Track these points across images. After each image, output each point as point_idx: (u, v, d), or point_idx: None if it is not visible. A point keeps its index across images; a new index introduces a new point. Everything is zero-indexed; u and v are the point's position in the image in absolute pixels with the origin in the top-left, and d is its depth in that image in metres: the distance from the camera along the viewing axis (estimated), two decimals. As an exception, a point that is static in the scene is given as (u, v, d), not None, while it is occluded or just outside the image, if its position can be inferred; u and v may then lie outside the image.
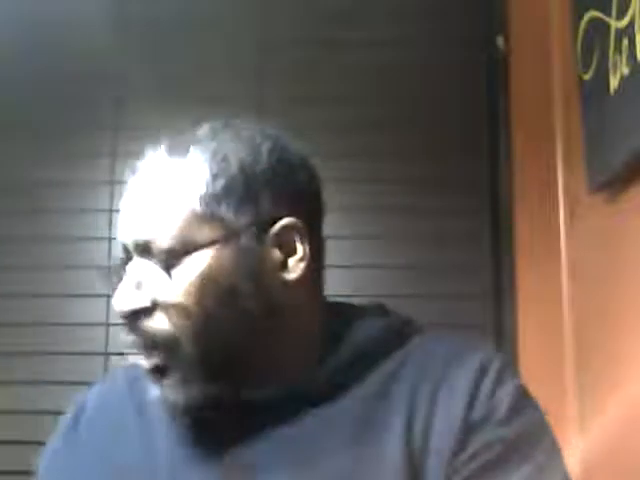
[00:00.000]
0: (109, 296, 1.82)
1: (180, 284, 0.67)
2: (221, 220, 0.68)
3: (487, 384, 0.69)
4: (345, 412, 0.70)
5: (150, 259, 0.68)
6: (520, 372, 1.52)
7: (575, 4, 1.30)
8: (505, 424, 0.67)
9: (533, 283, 1.55)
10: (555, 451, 0.70)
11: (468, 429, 0.67)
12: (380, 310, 0.79)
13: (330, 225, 1.83)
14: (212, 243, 0.67)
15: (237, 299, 0.68)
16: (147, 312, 0.68)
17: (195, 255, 0.67)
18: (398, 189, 1.65)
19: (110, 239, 1.68)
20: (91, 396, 0.81)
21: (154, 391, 0.70)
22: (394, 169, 1.66)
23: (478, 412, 0.68)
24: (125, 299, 0.68)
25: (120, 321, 0.70)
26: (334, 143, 1.66)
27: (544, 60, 1.53)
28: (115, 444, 0.74)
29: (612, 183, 1.18)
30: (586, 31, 1.24)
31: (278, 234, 0.70)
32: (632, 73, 1.04)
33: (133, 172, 0.74)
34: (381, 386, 0.71)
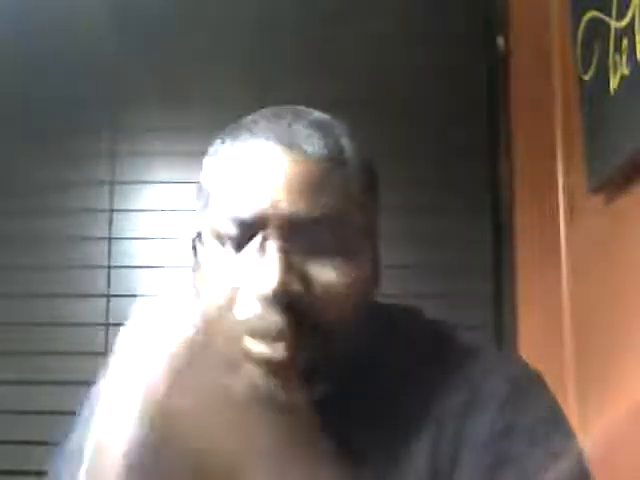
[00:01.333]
0: (109, 296, 1.81)
1: (345, 277, 0.62)
2: (370, 214, 0.67)
3: (519, 406, 0.66)
4: (379, 436, 0.66)
5: (304, 240, 0.61)
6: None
7: (575, 4, 1.30)
8: (540, 450, 0.64)
9: (533, 283, 1.55)
10: (586, 470, 0.68)
11: (501, 464, 0.64)
12: (414, 314, 0.77)
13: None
14: (368, 231, 0.65)
15: (370, 295, 0.67)
16: (303, 300, 0.61)
17: (358, 244, 0.64)
18: (398, 189, 1.65)
19: (110, 239, 1.68)
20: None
21: (261, 381, 0.59)
22: (394, 169, 1.65)
23: (510, 446, 0.64)
24: (282, 279, 0.59)
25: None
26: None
27: (544, 60, 1.53)
28: None
29: (612, 183, 1.18)
30: (586, 31, 1.24)
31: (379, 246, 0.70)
32: (632, 73, 1.04)
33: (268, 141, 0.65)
34: (417, 401, 0.67)
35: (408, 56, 1.69)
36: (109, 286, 1.66)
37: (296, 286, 0.60)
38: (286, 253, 0.60)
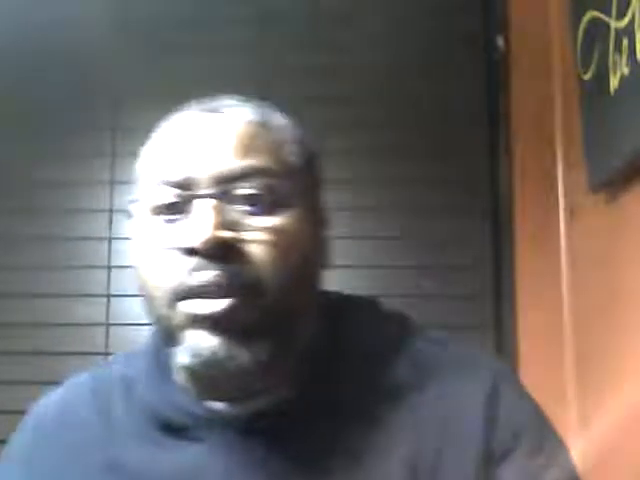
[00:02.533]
0: (109, 295, 1.81)
1: (276, 225, 0.61)
2: (303, 180, 0.65)
3: (504, 409, 0.64)
4: (346, 433, 0.64)
5: (233, 196, 0.61)
6: (520, 372, 1.53)
7: (575, 4, 1.30)
8: (530, 457, 0.63)
9: (533, 283, 1.55)
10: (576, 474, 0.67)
11: (490, 461, 0.63)
12: (376, 308, 0.73)
13: (330, 225, 1.82)
14: (302, 196, 0.64)
15: (312, 265, 0.66)
16: (236, 248, 0.60)
17: (289, 200, 0.63)
18: (398, 189, 1.65)
19: (110, 239, 1.68)
20: (48, 411, 0.74)
21: (206, 342, 0.59)
22: (394, 169, 1.66)
23: (498, 446, 0.63)
24: (212, 229, 0.58)
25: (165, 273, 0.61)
26: (334, 143, 1.66)
27: (544, 60, 1.53)
28: (76, 470, 0.68)
29: (612, 183, 1.18)
30: (586, 31, 1.24)
31: (324, 224, 0.70)
32: (632, 73, 1.04)
33: (194, 110, 0.68)
34: (383, 404, 0.65)
35: (408, 56, 1.69)
36: (109, 286, 1.66)
37: (228, 235, 0.59)
38: (216, 208, 0.60)
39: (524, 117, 1.61)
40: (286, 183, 0.63)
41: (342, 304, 0.73)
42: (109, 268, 1.67)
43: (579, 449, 1.28)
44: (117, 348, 1.64)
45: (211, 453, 0.64)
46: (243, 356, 0.59)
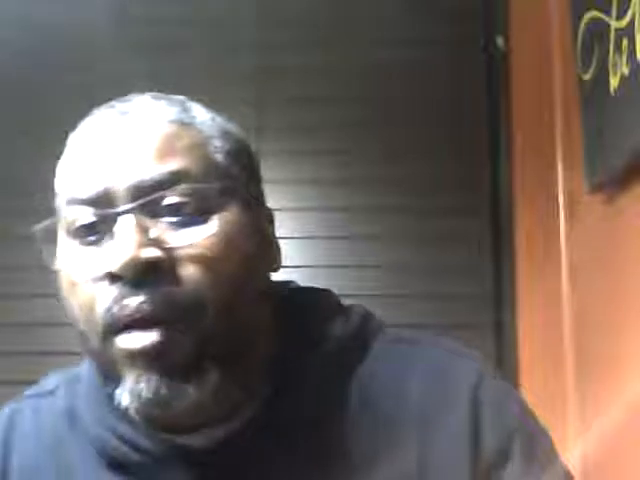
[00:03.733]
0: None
1: (207, 236, 0.55)
2: (234, 178, 0.58)
3: (489, 409, 0.60)
4: (315, 456, 0.58)
5: (156, 208, 0.54)
6: (520, 372, 1.52)
7: (575, 4, 1.30)
8: (524, 464, 0.59)
9: (533, 283, 1.55)
10: (567, 470, 0.64)
11: (482, 462, 0.59)
12: (334, 304, 0.67)
13: (330, 225, 1.83)
14: (235, 195, 0.57)
15: (255, 272, 0.58)
16: (164, 269, 0.53)
17: (220, 203, 0.56)
18: (398, 189, 1.65)
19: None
20: (24, 414, 0.68)
21: (145, 382, 0.53)
22: (394, 169, 1.66)
23: (489, 449, 0.59)
24: (134, 250, 0.52)
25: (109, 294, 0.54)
26: (334, 143, 1.66)
27: (544, 60, 1.53)
28: None
29: (612, 183, 1.18)
30: (586, 31, 1.24)
31: (268, 220, 0.63)
32: (632, 73, 1.04)
33: (101, 116, 0.60)
34: (354, 415, 0.60)
35: (408, 56, 1.69)
36: (109, 286, 1.66)
37: (153, 253, 0.53)
38: (137, 224, 0.53)
39: (524, 117, 1.61)
40: (213, 185, 0.56)
41: (299, 300, 0.66)
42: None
43: (579, 449, 1.28)
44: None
45: None
46: (188, 392, 0.53)
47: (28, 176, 1.71)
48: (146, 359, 0.53)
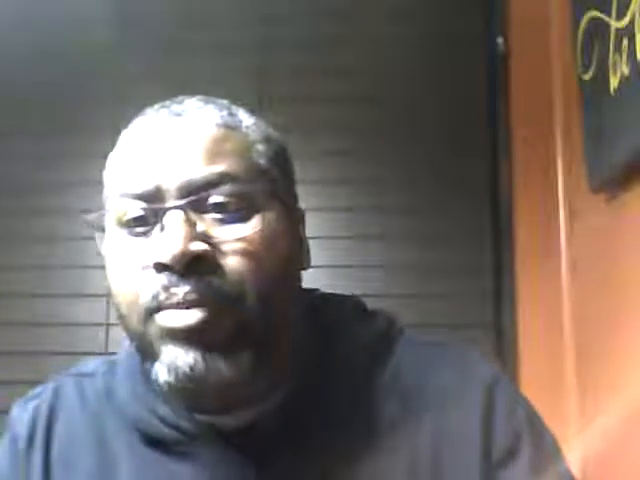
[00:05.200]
0: (109, 296, 1.81)
1: (249, 232, 0.59)
2: (274, 180, 0.62)
3: (500, 411, 0.64)
4: (338, 440, 0.63)
5: (203, 205, 0.58)
6: (520, 372, 1.53)
7: (575, 4, 1.30)
8: (532, 463, 0.63)
9: (533, 283, 1.55)
10: (569, 471, 0.67)
11: (492, 469, 0.63)
12: (361, 308, 0.72)
13: (331, 225, 1.83)
14: (275, 197, 0.61)
15: (289, 268, 0.63)
16: (209, 260, 0.57)
17: (262, 203, 0.60)
18: (398, 189, 1.65)
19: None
20: (38, 416, 0.70)
21: (184, 357, 0.56)
22: (394, 169, 1.66)
23: (498, 448, 0.63)
24: (182, 243, 0.56)
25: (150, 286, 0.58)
26: (334, 143, 1.66)
27: (544, 60, 1.53)
28: (67, 469, 0.67)
29: (612, 183, 1.18)
30: (586, 31, 1.24)
31: (300, 221, 0.67)
32: (632, 73, 1.04)
33: (152, 117, 0.64)
34: (374, 406, 0.64)
35: (408, 56, 1.69)
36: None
37: (200, 247, 0.57)
38: (186, 220, 0.57)
39: (524, 117, 1.61)
40: (257, 186, 0.60)
41: (326, 305, 0.71)
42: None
43: (579, 447, 1.28)
44: (117, 348, 1.63)
45: (197, 469, 0.62)
46: (223, 369, 0.57)
47: (28, 176, 1.71)
48: (186, 335, 0.56)
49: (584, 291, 1.36)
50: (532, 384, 1.47)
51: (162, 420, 0.64)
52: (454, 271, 1.61)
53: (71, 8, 1.74)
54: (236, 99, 1.88)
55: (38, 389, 0.74)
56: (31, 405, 0.72)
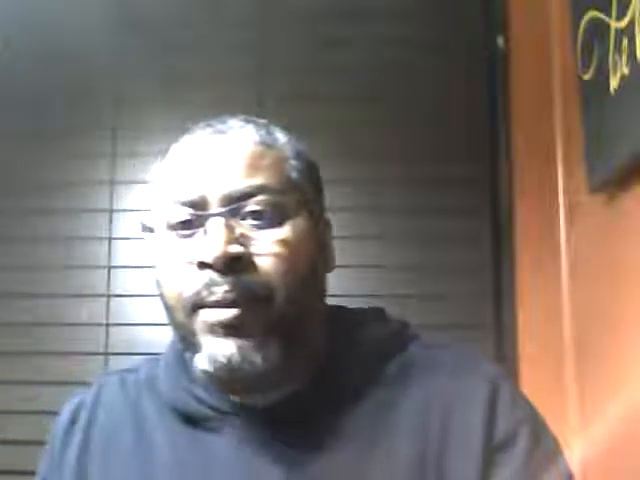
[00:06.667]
0: (109, 295, 1.82)
1: (281, 237, 0.67)
2: (304, 192, 0.71)
3: (504, 404, 0.70)
4: (353, 421, 0.70)
5: (241, 213, 0.67)
6: (520, 372, 1.53)
7: (575, 4, 1.30)
8: (529, 454, 0.68)
9: (533, 283, 1.55)
10: (569, 468, 0.71)
11: (490, 454, 0.68)
12: (380, 314, 0.80)
13: (333, 228, 1.81)
14: (305, 207, 0.70)
15: (315, 270, 0.71)
16: (245, 261, 0.66)
17: (293, 212, 0.69)
18: (398, 189, 1.65)
19: (110, 239, 1.68)
20: (83, 408, 0.79)
21: (222, 349, 0.65)
22: (394, 169, 1.66)
23: (499, 436, 0.68)
24: (223, 245, 0.64)
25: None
26: (334, 143, 1.66)
27: (544, 60, 1.53)
28: (112, 458, 0.74)
29: (612, 183, 1.18)
30: (586, 31, 1.24)
31: (327, 229, 0.77)
32: (632, 73, 1.04)
33: (200, 133, 0.72)
34: (388, 395, 0.71)
35: (408, 56, 1.69)
36: (109, 286, 1.66)
37: (238, 249, 0.65)
38: (226, 225, 0.66)
39: (524, 117, 1.61)
40: (289, 197, 0.69)
41: (349, 310, 0.80)
42: (109, 268, 1.67)
43: (579, 448, 1.28)
44: (117, 348, 1.64)
45: (227, 441, 0.70)
46: (257, 359, 0.65)
47: (28, 176, 1.71)
48: (225, 330, 0.65)
49: (584, 291, 1.36)
50: (532, 384, 1.47)
51: (196, 399, 0.73)
52: (454, 271, 1.61)
53: (71, 8, 1.74)
54: (236, 99, 1.89)
55: (86, 388, 0.82)
56: (73, 402, 0.80)
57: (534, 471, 0.67)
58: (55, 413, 0.83)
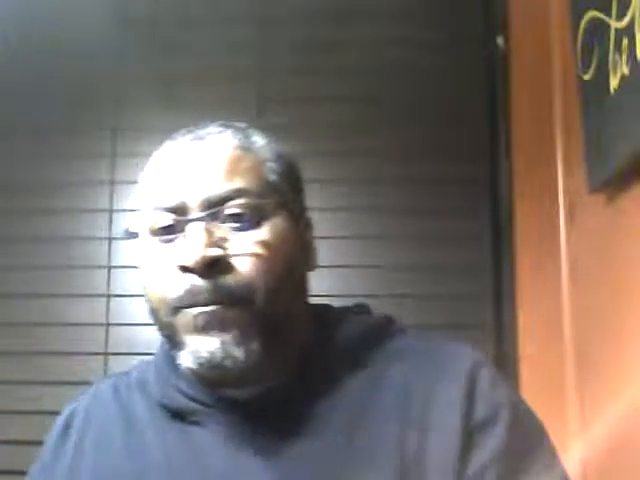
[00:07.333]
0: (109, 295, 1.82)
1: (260, 238, 0.69)
2: (283, 194, 0.73)
3: (484, 384, 0.71)
4: (335, 409, 0.72)
5: (221, 216, 0.69)
6: (520, 372, 1.53)
7: (575, 4, 1.29)
8: (510, 431, 0.69)
9: (533, 283, 1.55)
10: (555, 453, 0.71)
11: (470, 432, 0.68)
12: (363, 309, 0.82)
13: (330, 225, 1.82)
14: (284, 207, 0.72)
15: (295, 269, 0.73)
16: (224, 263, 0.68)
17: (271, 214, 0.70)
18: (398, 189, 1.66)
19: (110, 239, 1.68)
20: (76, 412, 0.81)
21: (205, 345, 0.67)
22: (394, 169, 1.66)
23: (479, 414, 0.69)
24: (202, 249, 0.67)
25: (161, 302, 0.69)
26: (334, 143, 1.66)
27: (544, 60, 1.53)
28: (104, 458, 0.76)
29: (612, 183, 1.18)
30: (586, 31, 1.24)
31: (307, 228, 0.77)
32: (632, 73, 1.04)
33: (178, 141, 0.74)
34: (370, 383, 0.73)
35: (408, 56, 1.69)
36: (109, 286, 1.67)
37: (217, 252, 0.67)
38: (206, 229, 0.68)
39: (524, 117, 1.61)
40: (268, 199, 0.71)
41: (334, 307, 0.81)
42: (109, 268, 1.67)
43: (579, 448, 1.28)
44: (117, 348, 1.64)
45: (212, 433, 0.72)
46: (239, 355, 0.67)
47: (28, 176, 1.71)
48: (207, 327, 0.67)
49: (584, 291, 1.36)
50: (532, 384, 1.47)
51: (183, 394, 0.75)
52: (454, 271, 1.61)
53: (71, 8, 1.74)
54: (236, 99, 1.89)
55: (83, 392, 0.84)
56: (68, 408, 0.83)
57: (514, 451, 0.68)
58: (56, 413, 0.83)
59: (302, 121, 1.66)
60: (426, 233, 1.64)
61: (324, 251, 1.62)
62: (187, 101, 1.69)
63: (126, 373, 0.84)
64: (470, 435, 0.68)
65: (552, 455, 0.71)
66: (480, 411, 0.69)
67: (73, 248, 1.69)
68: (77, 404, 0.82)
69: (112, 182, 1.70)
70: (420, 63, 1.69)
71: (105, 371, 1.63)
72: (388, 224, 1.65)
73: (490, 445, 0.68)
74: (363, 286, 1.62)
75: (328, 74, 1.70)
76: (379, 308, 0.81)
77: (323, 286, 1.59)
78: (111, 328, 1.65)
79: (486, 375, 0.72)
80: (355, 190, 1.66)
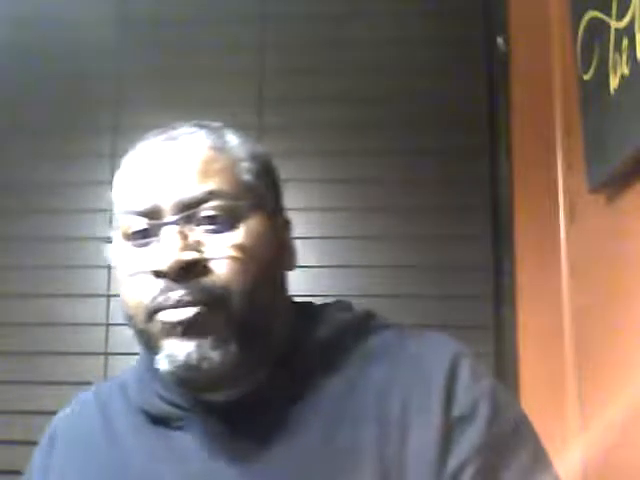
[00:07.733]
0: (109, 295, 1.82)
1: (235, 241, 0.68)
2: (259, 194, 0.72)
3: (463, 379, 0.70)
4: (314, 410, 0.71)
5: (195, 219, 0.68)
6: (520, 372, 1.53)
7: (575, 4, 1.30)
8: (489, 425, 0.68)
9: (533, 283, 1.55)
10: (537, 444, 0.70)
11: (450, 428, 0.68)
12: (343, 306, 0.80)
13: (330, 225, 1.83)
14: (260, 208, 0.71)
15: (273, 270, 0.72)
16: (200, 266, 0.67)
17: (247, 215, 0.69)
18: (398, 189, 1.65)
19: (110, 239, 1.68)
20: (60, 423, 0.82)
21: (181, 349, 0.66)
22: (394, 169, 1.66)
23: (458, 410, 0.69)
24: (176, 253, 0.66)
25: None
26: (334, 143, 1.66)
27: (544, 60, 1.53)
28: (87, 470, 0.75)
29: (612, 183, 1.18)
30: (586, 31, 1.24)
31: (285, 227, 0.76)
32: (632, 73, 1.04)
33: (150, 142, 0.73)
34: (348, 383, 0.72)
35: (408, 56, 1.69)
36: (109, 286, 1.66)
37: (192, 256, 0.66)
38: (180, 232, 0.67)
39: (524, 118, 1.61)
40: (243, 200, 0.69)
41: (313, 305, 0.80)
42: (109, 268, 1.67)
43: (579, 447, 1.28)
44: (117, 348, 1.64)
45: (191, 437, 0.72)
46: (215, 357, 0.66)
47: (28, 176, 1.71)
48: (182, 330, 0.66)
49: (584, 291, 1.36)
50: (532, 384, 1.47)
51: (162, 398, 0.74)
52: (454, 271, 1.61)
53: (71, 8, 1.74)
54: (236, 99, 1.89)
55: (65, 406, 0.84)
56: (57, 418, 0.83)
57: (494, 446, 0.67)
58: (55, 413, 0.83)
59: (302, 121, 1.66)
60: (426, 233, 1.63)
61: (324, 251, 1.64)
62: (187, 101, 1.69)
63: (109, 380, 0.84)
64: (450, 431, 0.67)
65: (534, 447, 0.70)
66: (459, 406, 0.68)
67: (73, 248, 1.68)
68: (60, 418, 0.82)
69: (112, 182, 1.70)
70: (420, 63, 1.69)
71: (105, 371, 1.63)
72: (388, 224, 1.65)
73: (470, 440, 0.67)
74: (363, 286, 1.62)
75: (328, 74, 1.69)
76: (379, 308, 0.81)
77: (323, 286, 1.59)
78: (111, 328, 1.64)
79: (466, 369, 0.71)
80: (355, 190, 1.66)
